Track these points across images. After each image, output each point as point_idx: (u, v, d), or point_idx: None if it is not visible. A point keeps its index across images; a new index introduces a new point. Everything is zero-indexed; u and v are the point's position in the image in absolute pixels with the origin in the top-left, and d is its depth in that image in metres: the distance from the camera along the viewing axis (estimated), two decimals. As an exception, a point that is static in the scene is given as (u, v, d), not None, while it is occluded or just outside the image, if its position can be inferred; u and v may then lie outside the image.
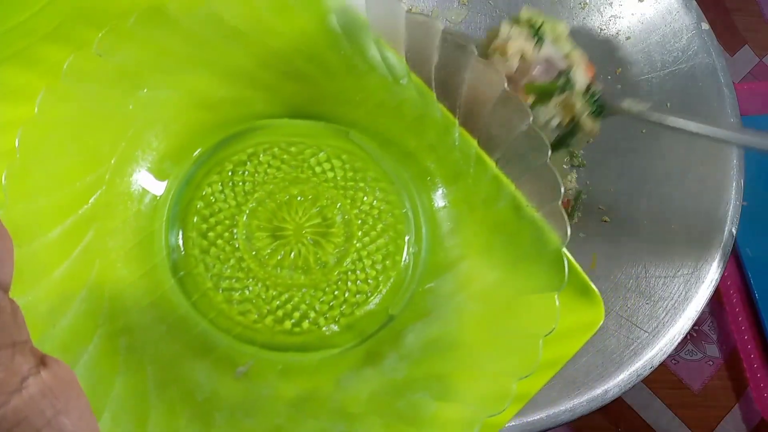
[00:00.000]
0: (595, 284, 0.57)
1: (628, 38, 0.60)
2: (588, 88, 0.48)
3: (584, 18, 0.62)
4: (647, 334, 0.49)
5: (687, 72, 0.57)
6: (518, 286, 0.35)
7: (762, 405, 0.63)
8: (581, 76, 0.48)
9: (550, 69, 0.48)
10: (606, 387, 0.46)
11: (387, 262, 0.38)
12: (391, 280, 0.38)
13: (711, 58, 0.56)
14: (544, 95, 0.48)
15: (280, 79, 0.39)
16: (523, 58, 0.47)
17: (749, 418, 0.65)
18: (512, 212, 0.36)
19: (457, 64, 0.35)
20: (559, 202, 0.33)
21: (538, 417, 0.44)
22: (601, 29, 0.62)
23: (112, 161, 0.34)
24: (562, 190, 0.33)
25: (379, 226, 0.39)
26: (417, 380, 0.33)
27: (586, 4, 0.62)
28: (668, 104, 0.58)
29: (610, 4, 0.61)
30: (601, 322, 0.36)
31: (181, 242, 0.36)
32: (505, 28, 0.48)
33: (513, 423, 0.44)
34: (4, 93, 0.34)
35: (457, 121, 0.37)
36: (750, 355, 0.65)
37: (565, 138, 0.51)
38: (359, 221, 0.39)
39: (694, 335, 0.68)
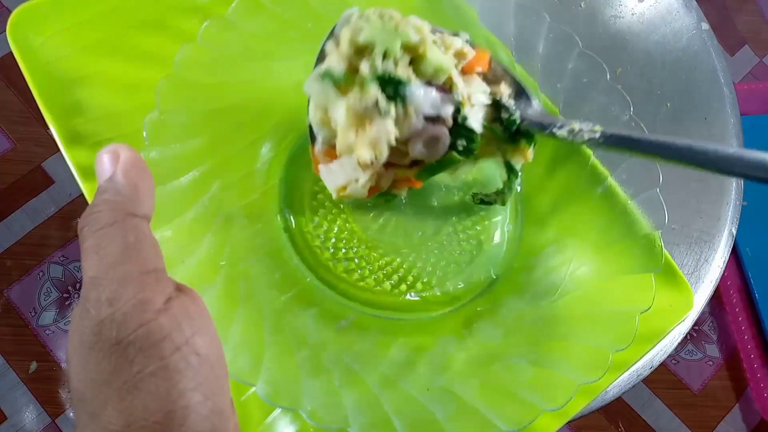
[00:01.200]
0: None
1: (628, 38, 0.60)
2: (497, 105, 0.32)
3: (584, 17, 0.62)
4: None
5: (687, 72, 0.57)
6: (615, 266, 0.36)
7: (762, 405, 0.64)
8: (476, 114, 0.31)
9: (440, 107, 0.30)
10: (606, 387, 0.46)
11: (482, 237, 0.40)
12: (486, 254, 0.39)
13: (711, 58, 0.56)
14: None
15: None
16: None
17: (749, 418, 0.65)
18: (608, 198, 0.38)
19: (558, 55, 0.36)
20: (657, 190, 0.36)
21: (538, 417, 0.44)
22: (601, 29, 0.62)
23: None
24: (661, 179, 0.35)
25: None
26: (513, 347, 0.35)
27: (586, 3, 0.62)
28: (668, 104, 0.58)
29: (610, 4, 0.61)
30: (691, 311, 0.38)
31: (292, 201, 0.38)
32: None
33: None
34: (137, 55, 0.36)
35: (558, 110, 0.38)
36: (750, 355, 0.65)
37: (502, 190, 0.38)
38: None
39: (694, 335, 0.68)
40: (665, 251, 0.37)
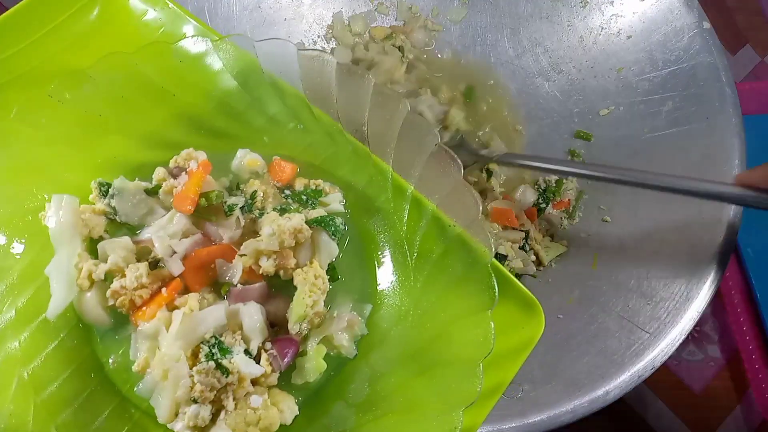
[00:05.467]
0: (595, 284, 0.57)
1: (629, 37, 0.60)
2: None
3: (585, 17, 0.62)
4: (648, 335, 0.48)
5: (688, 71, 0.57)
6: (452, 310, 0.35)
7: (763, 406, 0.63)
8: None
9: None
10: (607, 388, 0.46)
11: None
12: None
13: (713, 58, 0.56)
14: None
15: (194, 136, 0.41)
16: None
17: (751, 419, 0.65)
18: (437, 234, 0.36)
19: (357, 93, 0.36)
20: (479, 217, 0.34)
21: (539, 418, 0.44)
22: (602, 28, 0.61)
23: (21, 263, 0.35)
24: (480, 206, 0.33)
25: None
26: (366, 427, 0.34)
27: (587, 2, 0.62)
28: (670, 103, 0.58)
29: (612, 2, 0.61)
30: (541, 334, 0.35)
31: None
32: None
33: (514, 425, 0.43)
34: None
35: (369, 150, 0.38)
36: (751, 356, 0.65)
37: None
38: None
39: (695, 336, 0.68)
40: (509, 275, 0.35)
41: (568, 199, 0.62)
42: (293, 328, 0.35)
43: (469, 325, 0.33)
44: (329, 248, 0.37)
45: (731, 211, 0.53)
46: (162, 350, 0.33)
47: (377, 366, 0.36)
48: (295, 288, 0.36)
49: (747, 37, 0.79)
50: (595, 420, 0.56)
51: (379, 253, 0.39)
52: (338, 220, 0.37)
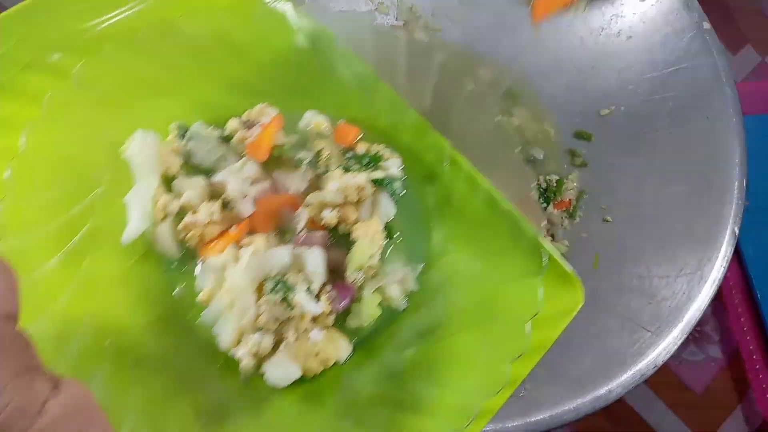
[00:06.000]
0: (597, 284, 0.57)
1: (629, 37, 0.60)
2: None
3: (586, 17, 0.62)
4: (650, 334, 0.48)
5: (689, 71, 0.57)
6: (501, 275, 0.38)
7: (764, 406, 0.63)
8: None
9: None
10: (610, 386, 0.46)
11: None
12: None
13: (713, 58, 0.56)
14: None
15: (267, 94, 0.43)
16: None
17: (751, 420, 0.65)
18: (489, 207, 0.39)
19: (422, 69, 0.38)
20: (529, 195, 0.36)
21: (541, 417, 0.44)
22: (602, 28, 0.62)
23: (100, 189, 0.38)
24: (534, 182, 0.35)
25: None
26: (415, 371, 0.36)
27: (587, 2, 0.62)
28: (670, 103, 0.58)
29: (612, 3, 0.61)
30: (581, 305, 0.38)
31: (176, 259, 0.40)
32: None
33: (516, 423, 0.43)
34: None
35: (429, 124, 0.41)
36: (752, 356, 0.65)
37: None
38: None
39: (696, 336, 0.68)
40: (552, 249, 0.37)
41: (569, 199, 0.62)
42: (351, 275, 0.38)
43: (518, 289, 0.36)
44: (388, 207, 0.41)
45: (732, 210, 0.53)
46: (230, 281, 0.35)
47: (426, 320, 0.38)
48: (353, 241, 0.38)
49: (747, 37, 0.79)
50: (594, 420, 0.56)
51: (433, 218, 0.42)
52: (397, 183, 0.40)
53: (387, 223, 0.41)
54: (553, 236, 0.61)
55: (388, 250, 0.41)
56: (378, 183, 0.40)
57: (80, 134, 0.37)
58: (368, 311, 0.38)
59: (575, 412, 0.45)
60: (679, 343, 0.48)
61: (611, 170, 0.61)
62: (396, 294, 0.39)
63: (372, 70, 0.41)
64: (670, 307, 0.49)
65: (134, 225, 0.37)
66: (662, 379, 0.66)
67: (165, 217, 0.38)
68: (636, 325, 0.49)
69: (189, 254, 0.38)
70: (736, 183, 0.53)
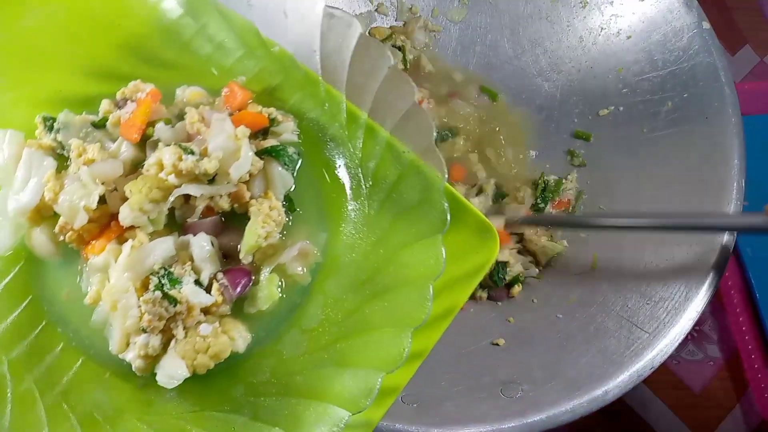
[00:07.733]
0: (595, 284, 0.57)
1: (629, 37, 0.60)
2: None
3: (585, 17, 0.62)
4: (648, 335, 0.48)
5: (688, 71, 0.57)
6: (405, 235, 0.35)
7: (763, 405, 0.63)
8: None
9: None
10: (606, 388, 0.46)
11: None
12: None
13: (712, 58, 0.56)
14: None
15: (141, 67, 0.40)
16: None
17: (750, 419, 0.65)
18: (391, 160, 0.36)
19: (306, 18, 0.35)
20: (433, 141, 0.33)
21: (538, 418, 0.44)
22: (601, 28, 0.61)
23: None
24: (435, 131, 0.33)
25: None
26: (316, 354, 0.34)
27: (587, 2, 0.62)
28: (669, 103, 0.58)
29: (611, 2, 0.61)
30: (494, 258, 0.35)
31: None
32: None
33: (513, 424, 0.43)
34: None
35: (320, 77, 0.37)
36: (751, 356, 0.65)
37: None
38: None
39: (694, 336, 0.68)
40: (465, 201, 0.35)
41: (568, 199, 0.62)
42: (245, 258, 0.35)
43: (421, 249, 0.33)
44: (283, 179, 0.37)
45: (731, 210, 0.53)
46: (111, 282, 0.33)
47: (331, 293, 0.36)
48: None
49: (746, 37, 0.79)
50: (594, 420, 0.56)
51: (334, 181, 0.39)
52: (291, 150, 0.37)
53: (287, 195, 0.37)
54: (551, 236, 0.61)
55: (290, 225, 0.37)
56: (268, 153, 0.36)
57: None
58: (266, 294, 0.35)
59: (572, 413, 0.45)
60: (677, 344, 0.48)
61: (610, 170, 0.61)
62: (298, 270, 0.36)
63: (254, 26, 0.37)
64: (667, 308, 0.49)
65: (7, 233, 0.35)
66: (661, 379, 0.66)
67: (41, 220, 0.35)
68: (633, 325, 0.49)
69: (74, 254, 0.36)
70: (735, 183, 0.53)
